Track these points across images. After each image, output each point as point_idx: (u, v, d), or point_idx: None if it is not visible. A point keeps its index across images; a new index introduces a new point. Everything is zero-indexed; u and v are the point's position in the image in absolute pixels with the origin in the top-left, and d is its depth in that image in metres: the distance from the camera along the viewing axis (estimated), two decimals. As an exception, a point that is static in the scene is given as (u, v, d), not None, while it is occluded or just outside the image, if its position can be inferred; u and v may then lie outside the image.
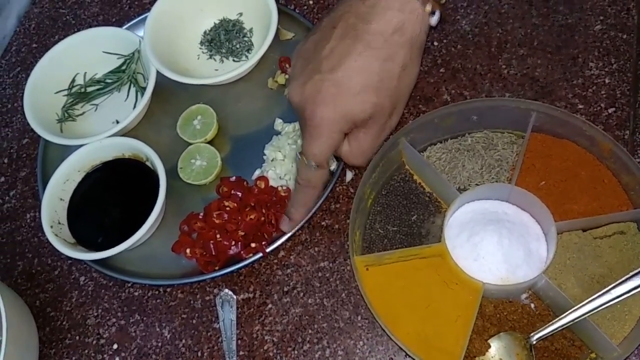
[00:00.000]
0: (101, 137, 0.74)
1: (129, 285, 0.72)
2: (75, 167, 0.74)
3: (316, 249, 0.70)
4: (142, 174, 0.73)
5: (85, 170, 0.75)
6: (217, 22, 0.83)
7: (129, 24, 0.86)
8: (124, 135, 0.76)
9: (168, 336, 0.68)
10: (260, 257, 0.69)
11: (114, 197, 0.74)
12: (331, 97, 0.56)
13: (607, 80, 0.74)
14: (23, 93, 0.78)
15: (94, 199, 0.74)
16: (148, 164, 0.73)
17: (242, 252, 0.69)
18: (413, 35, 0.55)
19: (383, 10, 0.54)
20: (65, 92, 0.81)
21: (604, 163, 0.67)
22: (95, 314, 0.71)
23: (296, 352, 0.65)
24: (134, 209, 0.71)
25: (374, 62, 0.55)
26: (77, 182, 0.74)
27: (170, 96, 0.80)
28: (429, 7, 0.54)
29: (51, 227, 0.70)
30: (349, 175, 0.73)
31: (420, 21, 0.55)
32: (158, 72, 0.77)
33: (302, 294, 0.68)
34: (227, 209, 0.70)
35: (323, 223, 0.71)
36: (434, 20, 0.56)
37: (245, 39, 0.82)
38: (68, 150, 0.75)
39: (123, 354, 0.68)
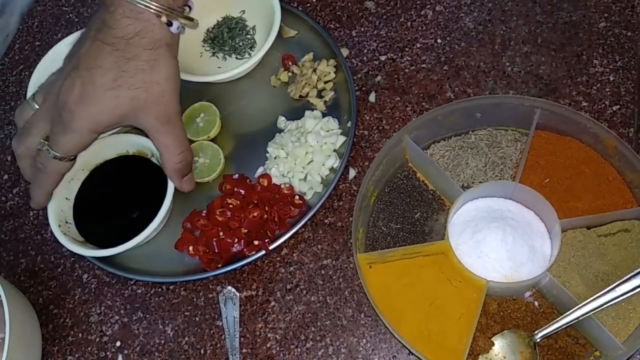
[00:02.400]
0: (105, 135, 0.74)
1: (132, 282, 0.72)
2: (79, 165, 0.73)
3: (319, 246, 0.70)
4: (148, 170, 0.72)
5: (89, 169, 0.74)
6: (220, 19, 0.83)
7: (132, 22, 0.86)
8: (127, 133, 0.75)
9: (171, 334, 0.68)
10: (263, 255, 0.69)
11: (119, 194, 0.73)
12: (87, 95, 0.61)
13: (611, 78, 0.73)
14: (26, 91, 0.78)
15: (100, 196, 0.73)
16: (153, 160, 0.73)
17: (245, 249, 0.69)
18: (154, 39, 0.61)
19: (120, 18, 0.60)
20: (68, 90, 0.81)
21: (609, 160, 0.66)
22: (98, 311, 0.71)
23: (299, 349, 0.65)
24: (140, 205, 0.70)
25: (121, 60, 0.61)
26: (82, 180, 0.74)
27: (173, 94, 0.80)
28: (164, 19, 0.61)
29: (59, 226, 0.69)
30: (352, 173, 0.73)
31: (159, 29, 0.61)
32: (161, 70, 0.77)
33: (305, 292, 0.68)
34: (230, 206, 0.70)
35: (326, 221, 0.71)
36: (173, 29, 0.62)
37: (248, 36, 0.81)
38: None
39: (126, 352, 0.68)
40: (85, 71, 0.61)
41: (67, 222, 0.71)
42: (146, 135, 0.68)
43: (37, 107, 0.66)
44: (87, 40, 0.62)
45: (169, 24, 0.62)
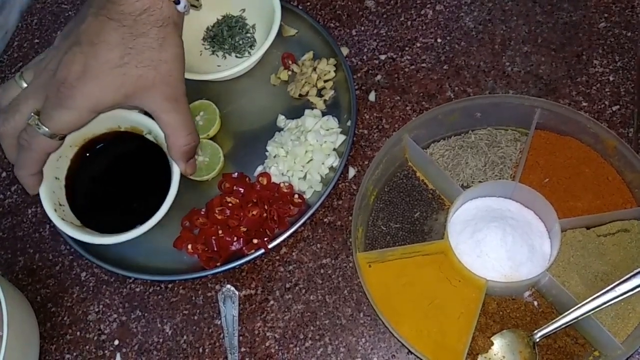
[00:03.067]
0: None
1: (131, 280, 0.72)
2: (67, 141, 0.67)
3: (318, 245, 0.70)
4: (144, 148, 0.69)
5: (78, 145, 0.69)
6: (219, 18, 0.83)
7: (131, 20, 0.86)
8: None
9: (169, 332, 0.68)
10: (262, 254, 0.68)
11: (116, 174, 0.71)
12: (90, 71, 0.58)
13: (611, 78, 0.73)
14: (25, 88, 0.78)
15: (95, 177, 0.70)
16: (149, 137, 0.69)
17: (244, 248, 0.68)
18: (163, 16, 0.60)
19: None
20: (67, 88, 0.81)
21: (608, 160, 0.67)
22: (97, 309, 0.71)
23: (298, 348, 0.65)
24: (140, 188, 0.69)
25: (128, 36, 0.58)
26: (70, 158, 0.69)
27: (172, 92, 0.80)
28: None
29: (55, 210, 0.66)
30: (352, 172, 0.73)
31: (167, 6, 0.60)
32: (160, 68, 0.76)
33: (304, 291, 0.68)
34: (230, 205, 0.70)
35: (325, 220, 0.71)
36: (180, 7, 0.61)
37: (248, 35, 0.81)
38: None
39: (124, 350, 0.68)
40: (88, 46, 0.58)
41: (60, 205, 0.67)
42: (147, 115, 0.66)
43: (25, 85, 0.62)
44: (89, 16, 0.59)
45: (177, 1, 0.60)
